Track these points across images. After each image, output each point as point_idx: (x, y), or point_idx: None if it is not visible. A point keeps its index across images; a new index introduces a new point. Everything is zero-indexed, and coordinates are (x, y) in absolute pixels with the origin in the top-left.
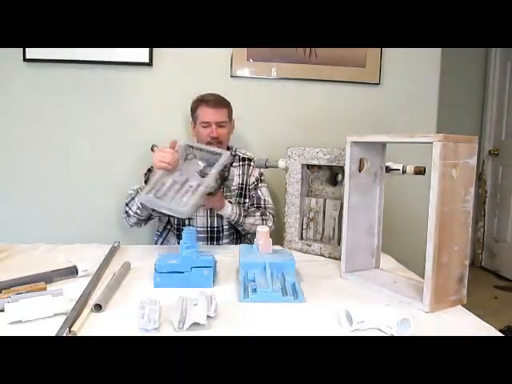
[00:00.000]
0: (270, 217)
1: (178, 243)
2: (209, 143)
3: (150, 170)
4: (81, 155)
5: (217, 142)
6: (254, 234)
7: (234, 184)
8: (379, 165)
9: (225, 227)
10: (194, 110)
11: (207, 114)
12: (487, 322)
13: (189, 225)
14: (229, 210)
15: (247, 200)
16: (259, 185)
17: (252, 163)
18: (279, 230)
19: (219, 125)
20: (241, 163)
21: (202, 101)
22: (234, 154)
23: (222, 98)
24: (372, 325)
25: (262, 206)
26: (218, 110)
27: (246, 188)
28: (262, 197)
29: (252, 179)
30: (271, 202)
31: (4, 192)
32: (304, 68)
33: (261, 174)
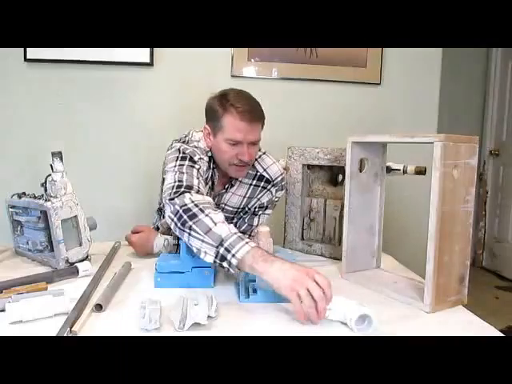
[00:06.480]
0: None
1: None
2: (234, 165)
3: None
4: (80, 155)
5: (245, 164)
6: None
7: (231, 205)
8: (380, 165)
9: None
10: (217, 115)
11: (240, 130)
12: (488, 323)
13: None
14: None
15: (235, 219)
16: (261, 212)
17: (270, 186)
18: (280, 231)
19: (253, 143)
20: (253, 182)
21: (233, 107)
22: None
23: (256, 103)
24: (338, 316)
25: (246, 235)
26: (254, 125)
27: (241, 211)
28: (255, 226)
29: (256, 203)
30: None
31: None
32: (305, 68)
33: (272, 202)
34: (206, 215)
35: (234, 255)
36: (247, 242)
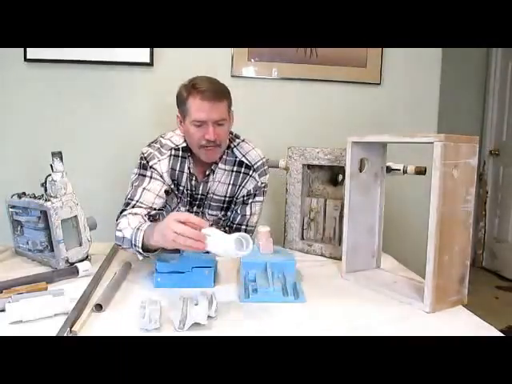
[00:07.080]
0: None
1: None
2: (203, 147)
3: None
4: (80, 155)
5: (214, 145)
6: None
7: (218, 194)
8: (380, 165)
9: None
10: (183, 100)
11: (202, 109)
12: (488, 323)
13: None
14: None
15: (229, 213)
16: (251, 200)
17: (251, 172)
18: (280, 231)
19: (218, 123)
20: (234, 169)
21: (194, 89)
22: (231, 149)
23: (220, 84)
24: (217, 247)
25: (244, 227)
26: (217, 103)
27: (231, 201)
28: (248, 215)
29: (243, 192)
30: (255, 221)
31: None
32: (305, 68)
33: (259, 188)
34: (119, 230)
35: (138, 246)
36: (141, 229)
